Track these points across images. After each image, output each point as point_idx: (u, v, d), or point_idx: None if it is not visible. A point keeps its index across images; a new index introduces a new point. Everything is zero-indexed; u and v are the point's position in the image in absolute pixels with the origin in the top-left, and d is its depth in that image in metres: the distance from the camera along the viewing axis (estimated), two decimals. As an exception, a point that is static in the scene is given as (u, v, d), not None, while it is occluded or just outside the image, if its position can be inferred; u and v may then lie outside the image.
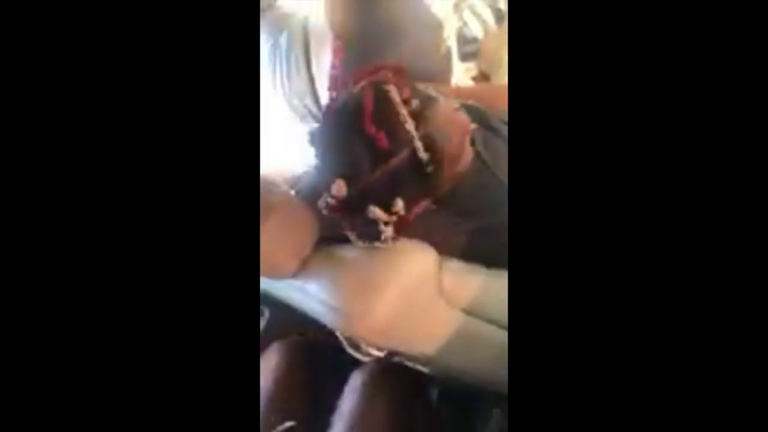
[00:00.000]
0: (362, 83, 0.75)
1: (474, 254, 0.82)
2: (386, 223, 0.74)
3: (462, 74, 1.65)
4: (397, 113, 0.71)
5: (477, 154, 0.82)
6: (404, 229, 0.77)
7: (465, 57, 1.68)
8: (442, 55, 1.11)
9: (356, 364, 0.94)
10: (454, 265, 0.82)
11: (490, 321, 0.82)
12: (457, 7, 1.59)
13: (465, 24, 1.66)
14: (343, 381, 0.89)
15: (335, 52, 0.97)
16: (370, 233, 0.75)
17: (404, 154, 0.71)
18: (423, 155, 0.71)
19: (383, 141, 0.69)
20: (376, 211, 0.72)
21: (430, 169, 0.72)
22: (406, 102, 0.72)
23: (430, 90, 0.78)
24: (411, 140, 0.70)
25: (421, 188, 0.74)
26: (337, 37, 0.97)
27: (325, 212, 0.76)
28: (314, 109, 1.15)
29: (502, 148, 0.83)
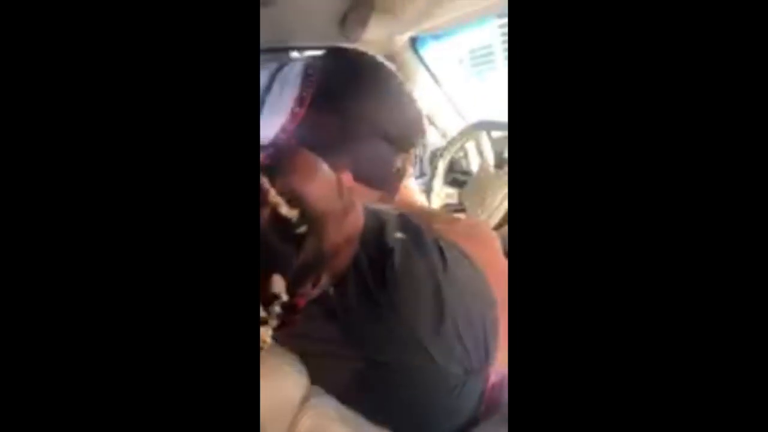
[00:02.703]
0: None
1: (353, 398, 0.61)
2: (264, 321, 0.53)
3: (439, 196, 1.53)
4: None
5: (387, 271, 0.63)
6: (288, 329, 0.56)
7: (451, 182, 1.57)
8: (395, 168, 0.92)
9: None
10: (326, 407, 0.59)
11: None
12: (463, 135, 1.51)
13: (465, 155, 1.58)
14: None
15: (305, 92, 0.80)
16: None
17: (265, 212, 0.52)
18: (288, 213, 0.53)
19: None
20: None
21: (302, 229, 0.54)
22: None
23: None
24: (266, 194, 0.52)
25: (299, 257, 0.55)
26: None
27: None
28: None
29: (420, 278, 0.64)
